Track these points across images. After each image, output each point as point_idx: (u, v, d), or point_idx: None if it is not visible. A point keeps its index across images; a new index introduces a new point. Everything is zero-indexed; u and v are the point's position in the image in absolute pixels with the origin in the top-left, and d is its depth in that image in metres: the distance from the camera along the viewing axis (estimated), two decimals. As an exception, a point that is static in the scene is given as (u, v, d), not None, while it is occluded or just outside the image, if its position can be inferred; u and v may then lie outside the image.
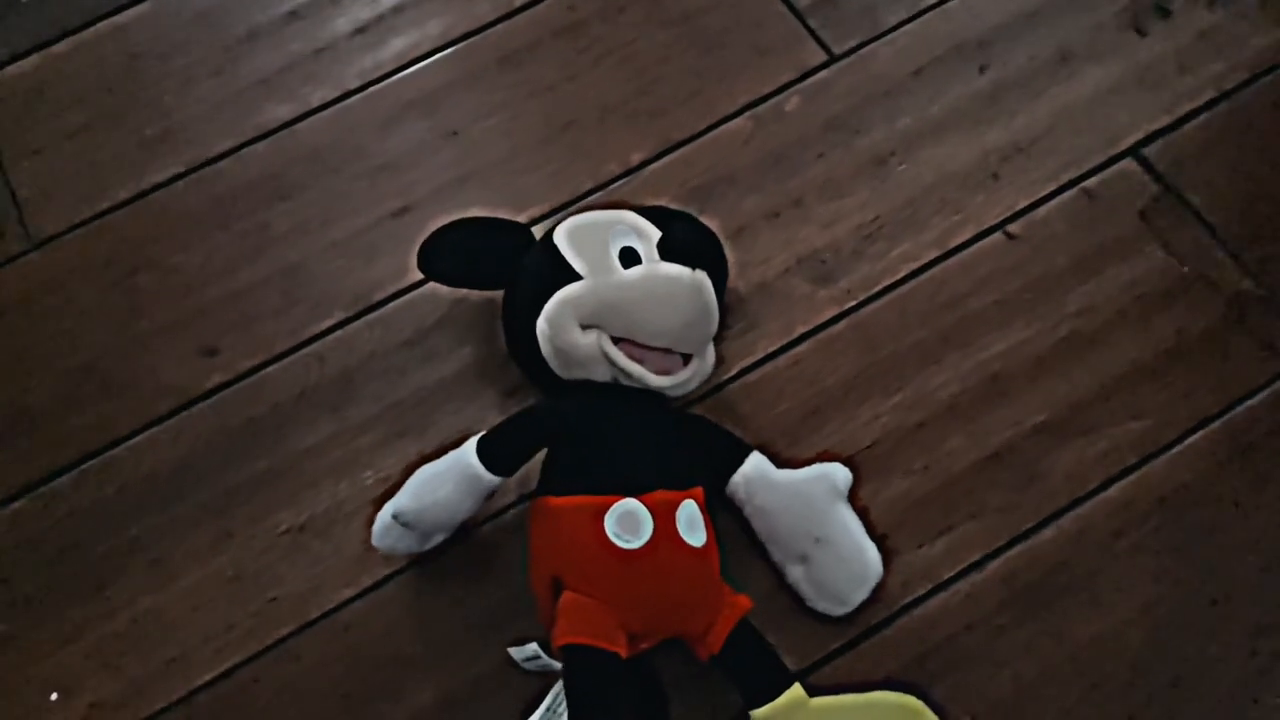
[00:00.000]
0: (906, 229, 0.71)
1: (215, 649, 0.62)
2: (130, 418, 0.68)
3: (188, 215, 0.74)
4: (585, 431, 0.57)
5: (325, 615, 0.62)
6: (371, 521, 0.63)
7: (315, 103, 0.77)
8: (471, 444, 0.57)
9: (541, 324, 0.58)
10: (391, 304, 0.70)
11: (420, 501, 0.57)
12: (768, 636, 0.57)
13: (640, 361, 0.57)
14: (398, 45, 0.79)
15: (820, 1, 0.78)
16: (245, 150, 0.76)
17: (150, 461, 0.66)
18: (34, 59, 0.80)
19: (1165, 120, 0.73)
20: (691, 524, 0.55)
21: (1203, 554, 0.61)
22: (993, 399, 0.66)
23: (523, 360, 0.62)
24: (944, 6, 0.78)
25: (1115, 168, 0.72)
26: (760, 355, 0.68)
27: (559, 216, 0.72)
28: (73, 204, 0.74)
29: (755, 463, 0.60)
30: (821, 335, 0.68)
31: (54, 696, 0.61)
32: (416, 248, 0.71)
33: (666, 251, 0.59)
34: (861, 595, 0.60)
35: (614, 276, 0.58)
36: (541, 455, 0.59)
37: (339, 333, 0.70)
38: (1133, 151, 0.72)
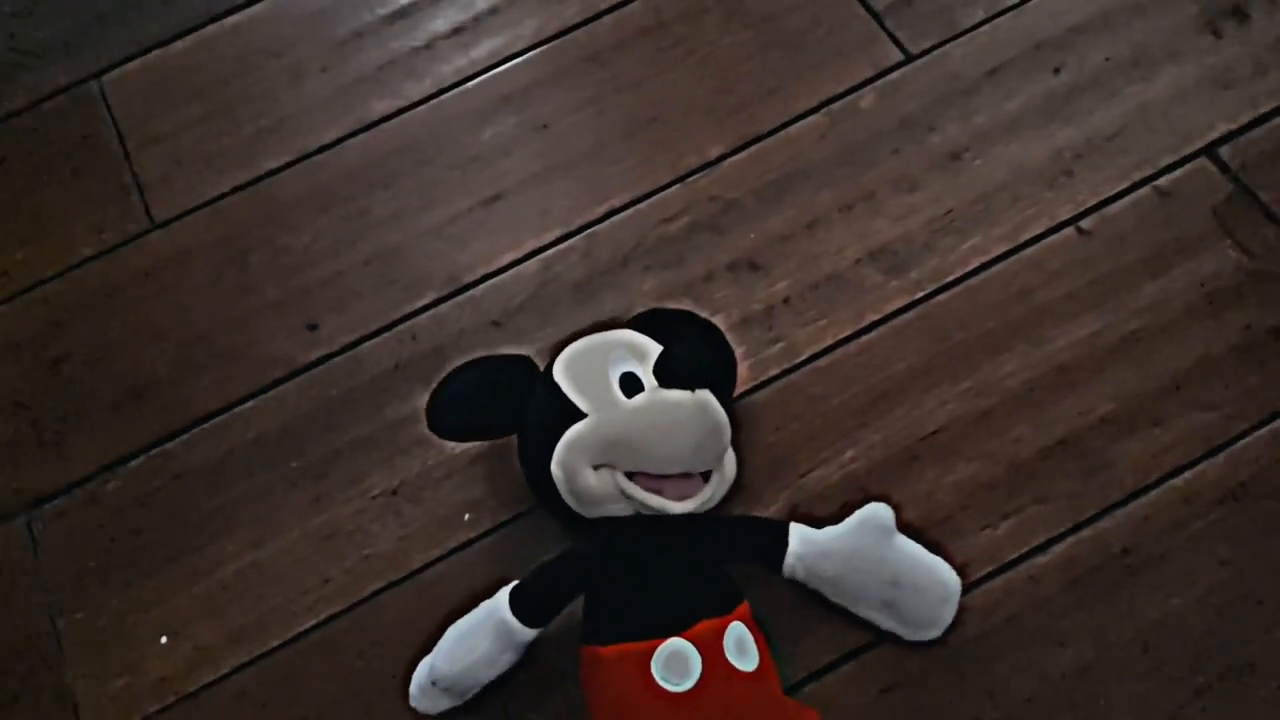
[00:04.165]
0: (978, 223, 0.72)
1: (312, 601, 0.66)
2: (239, 386, 0.73)
3: (295, 201, 0.79)
4: (618, 575, 0.57)
5: (413, 574, 0.66)
6: (461, 487, 0.67)
7: (414, 97, 0.82)
8: (504, 596, 0.57)
9: (555, 469, 0.57)
10: (480, 286, 0.74)
11: (456, 664, 0.57)
12: (822, 621, 0.60)
13: (659, 491, 0.56)
14: (491, 44, 0.84)
15: (897, 3, 0.81)
16: (349, 141, 0.81)
17: (257, 426, 0.71)
18: (157, 54, 0.86)
19: (1240, 120, 0.74)
20: (741, 647, 0.54)
21: (1266, 545, 0.62)
22: (1060, 389, 0.67)
23: (546, 503, 0.60)
24: (1019, 9, 0.79)
25: (1189, 166, 0.73)
26: (830, 341, 0.70)
27: (639, 207, 0.76)
28: (190, 188, 0.80)
29: (800, 537, 0.59)
30: (892, 324, 0.70)
31: (163, 640, 0.66)
32: (504, 237, 0.75)
33: (663, 378, 0.57)
34: (951, 612, 0.60)
35: (617, 411, 0.56)
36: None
37: (432, 312, 0.74)
38: (1207, 151, 0.73)
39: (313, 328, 0.74)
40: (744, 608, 0.57)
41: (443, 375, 0.62)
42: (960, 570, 0.62)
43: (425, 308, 0.74)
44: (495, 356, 0.64)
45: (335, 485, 0.69)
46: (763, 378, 0.69)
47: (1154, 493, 0.64)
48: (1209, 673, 0.59)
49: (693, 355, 0.58)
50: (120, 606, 0.67)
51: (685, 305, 0.72)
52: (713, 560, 0.58)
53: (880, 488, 0.65)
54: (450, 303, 0.74)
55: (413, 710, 0.61)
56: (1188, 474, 0.64)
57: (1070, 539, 0.63)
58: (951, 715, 0.59)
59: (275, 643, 0.65)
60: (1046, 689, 0.60)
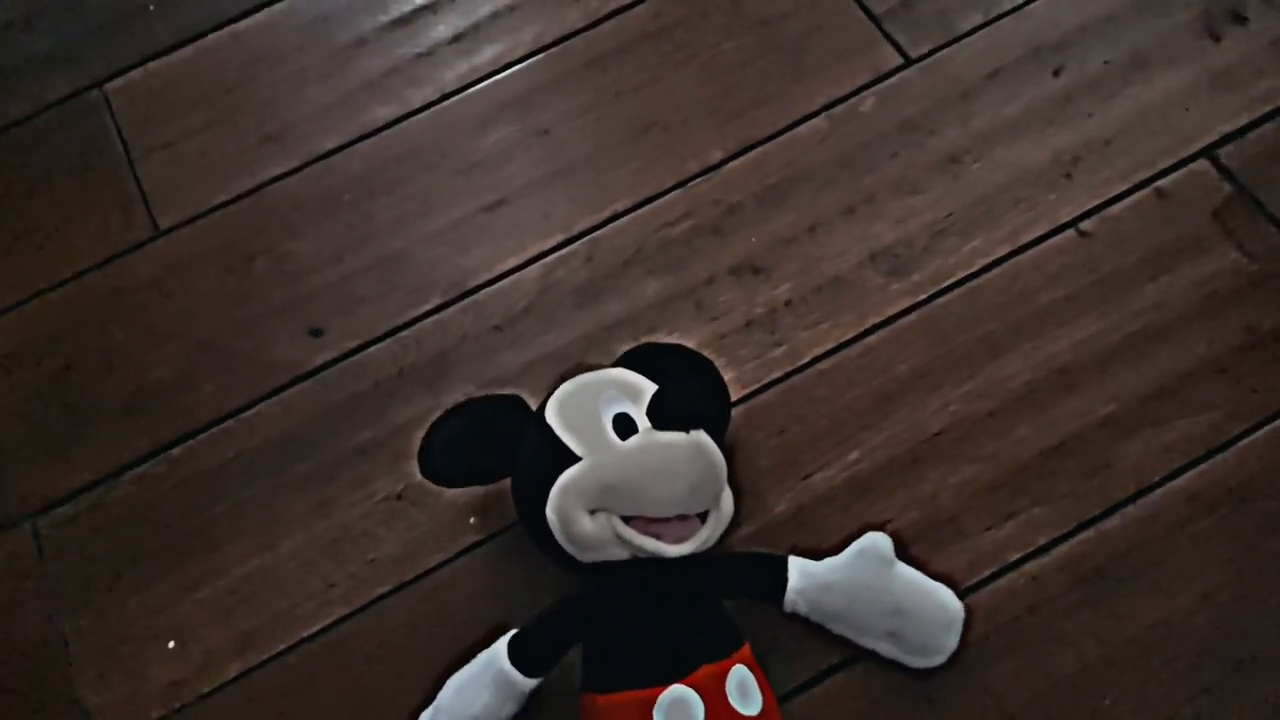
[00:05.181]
0: (979, 225, 0.73)
1: (318, 605, 0.66)
2: (244, 391, 0.73)
3: (299, 207, 0.79)
4: (617, 621, 0.56)
5: (418, 578, 0.66)
6: (465, 491, 0.67)
7: (416, 104, 0.82)
8: (503, 645, 0.56)
9: (549, 515, 0.56)
10: (483, 291, 0.75)
11: (458, 718, 0.57)
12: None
13: (656, 535, 0.55)
14: (493, 51, 0.84)
15: (897, 7, 0.81)
16: (352, 147, 0.81)
17: (262, 432, 0.72)
18: (160, 62, 0.87)
19: (1239, 123, 0.74)
20: (743, 691, 0.54)
21: (1268, 544, 0.62)
22: (1062, 390, 0.67)
23: (544, 547, 0.59)
24: (1018, 12, 0.80)
25: (1188, 168, 0.73)
26: (833, 344, 0.70)
27: (640, 212, 0.76)
28: (195, 196, 0.80)
29: (800, 571, 0.59)
30: (893, 326, 0.70)
31: (171, 644, 0.66)
32: (507, 242, 0.76)
33: (657, 420, 0.56)
34: (955, 638, 0.60)
35: (611, 454, 0.55)
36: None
37: (435, 317, 0.74)
38: (1206, 153, 0.73)
39: (317, 333, 0.74)
40: (745, 649, 0.56)
41: (434, 417, 0.61)
42: (965, 570, 0.62)
43: (429, 313, 0.74)
44: (485, 398, 0.64)
45: (340, 490, 0.69)
46: (765, 380, 0.69)
47: (1155, 493, 0.64)
48: (1210, 672, 0.59)
49: (687, 396, 0.57)
50: (127, 612, 0.67)
51: (687, 309, 0.72)
52: (712, 601, 0.58)
53: (883, 489, 0.65)
54: (454, 308, 0.74)
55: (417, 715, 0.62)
56: (1189, 474, 0.64)
57: (1072, 539, 0.63)
58: (955, 716, 0.60)
59: (281, 647, 0.65)
60: (1049, 689, 0.60)
